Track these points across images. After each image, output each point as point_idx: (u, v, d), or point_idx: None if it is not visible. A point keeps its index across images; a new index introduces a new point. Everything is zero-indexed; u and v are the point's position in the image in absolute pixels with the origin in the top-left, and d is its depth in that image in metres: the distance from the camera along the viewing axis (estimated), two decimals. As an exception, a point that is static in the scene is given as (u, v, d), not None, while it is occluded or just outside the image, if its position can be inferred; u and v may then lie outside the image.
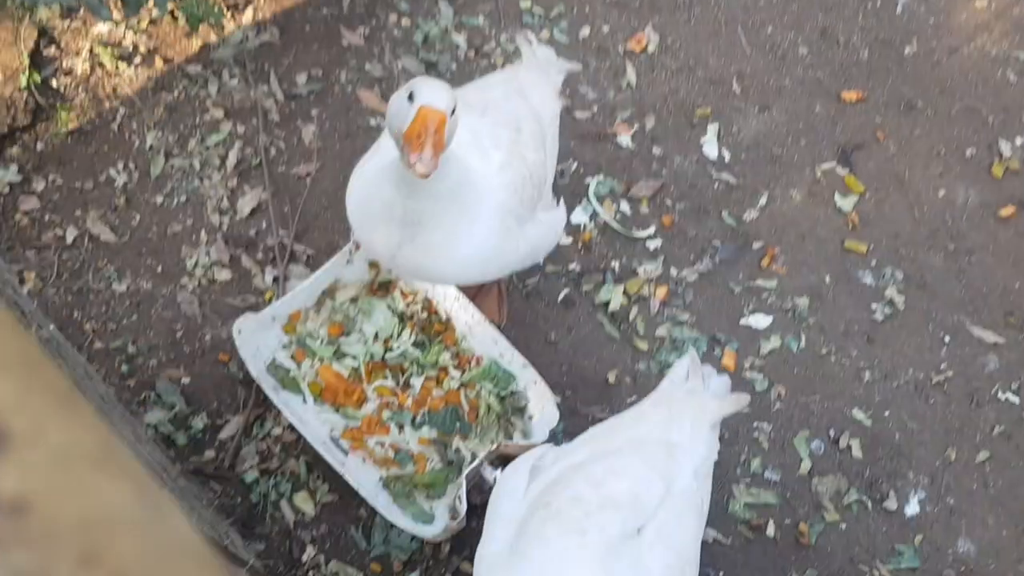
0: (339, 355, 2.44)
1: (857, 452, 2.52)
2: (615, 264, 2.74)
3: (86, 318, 2.57)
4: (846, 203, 2.89)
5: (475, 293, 2.55)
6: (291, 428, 2.38)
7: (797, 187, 2.92)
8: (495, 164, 2.02)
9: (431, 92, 1.70)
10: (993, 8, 3.28)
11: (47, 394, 0.18)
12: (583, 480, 1.79)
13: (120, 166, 2.79)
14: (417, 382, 2.43)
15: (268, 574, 2.21)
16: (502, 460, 2.30)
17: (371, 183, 1.98)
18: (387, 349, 2.46)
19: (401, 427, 2.38)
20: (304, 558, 2.31)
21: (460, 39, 3.08)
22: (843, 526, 2.43)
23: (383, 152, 2.05)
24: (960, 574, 2.40)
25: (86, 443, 0.18)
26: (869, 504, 2.47)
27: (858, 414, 2.58)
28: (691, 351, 2.18)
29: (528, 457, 1.94)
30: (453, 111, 1.71)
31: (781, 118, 3.04)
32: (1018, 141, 3.04)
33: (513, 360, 2.41)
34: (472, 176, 1.92)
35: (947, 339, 2.71)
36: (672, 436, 1.94)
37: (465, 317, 2.48)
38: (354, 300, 2.51)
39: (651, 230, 2.80)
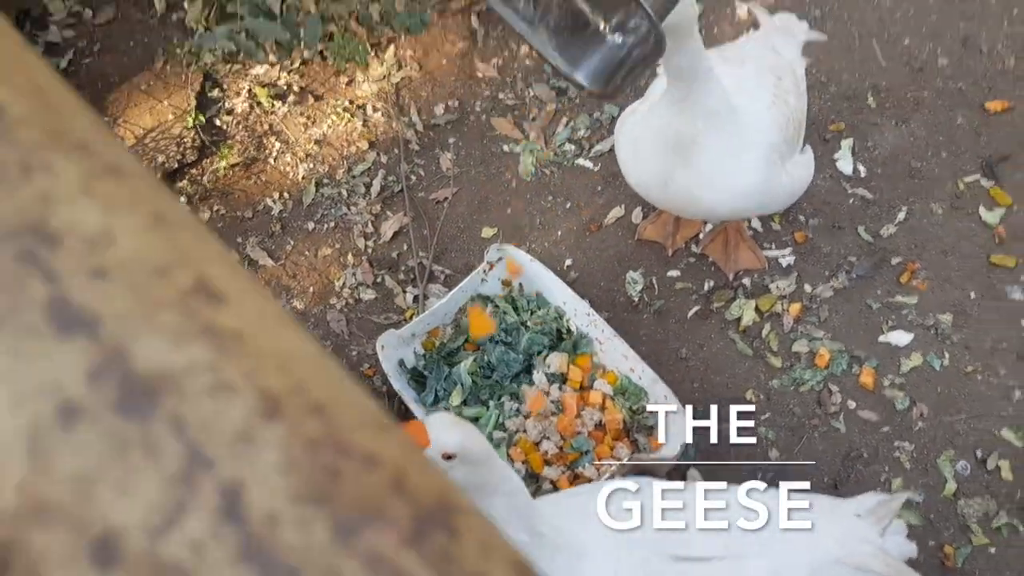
0: (475, 370, 2.55)
1: (1007, 474, 2.41)
2: (747, 280, 2.74)
3: (246, 335, 2.79)
4: (992, 216, 2.78)
5: (722, 253, 2.71)
6: (430, 439, 2.50)
7: (938, 201, 2.84)
8: (763, 103, 2.23)
9: None
10: None
11: (256, 287, 0.25)
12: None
13: (276, 196, 3.02)
14: (550, 396, 2.50)
15: None
16: (634, 473, 2.34)
17: (646, 116, 2.21)
18: (521, 364, 2.55)
19: (534, 440, 2.46)
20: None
21: (590, 65, 3.17)
22: (992, 550, 2.33)
23: (653, 96, 2.32)
24: None
25: (277, 313, 0.25)
26: (1021, 528, 2.35)
27: (1007, 434, 2.47)
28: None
29: None
30: None
31: (920, 131, 2.96)
32: None
33: (644, 375, 2.44)
34: (739, 109, 2.13)
35: (1108, 357, 2.56)
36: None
37: (595, 333, 2.53)
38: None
39: (786, 251, 2.78)
